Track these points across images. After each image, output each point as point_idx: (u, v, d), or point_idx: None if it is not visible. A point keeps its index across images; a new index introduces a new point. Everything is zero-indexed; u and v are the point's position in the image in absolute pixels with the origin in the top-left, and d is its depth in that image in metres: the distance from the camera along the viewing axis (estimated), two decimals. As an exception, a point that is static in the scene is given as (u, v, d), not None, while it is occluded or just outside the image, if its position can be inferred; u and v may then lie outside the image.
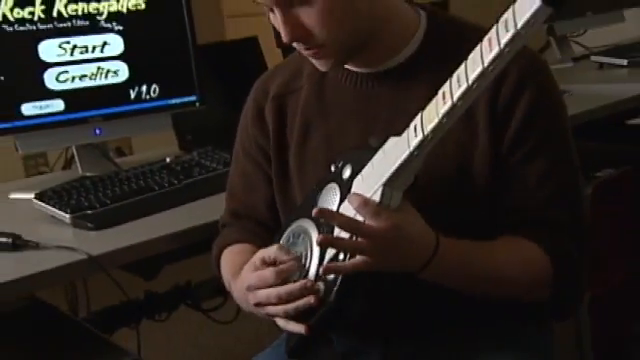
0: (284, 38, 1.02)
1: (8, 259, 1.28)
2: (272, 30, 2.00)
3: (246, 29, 2.47)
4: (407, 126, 0.91)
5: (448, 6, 2.71)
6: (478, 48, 0.82)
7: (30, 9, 1.62)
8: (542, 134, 1.05)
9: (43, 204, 1.46)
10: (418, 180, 0.95)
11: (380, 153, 0.94)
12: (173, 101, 1.83)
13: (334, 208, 0.99)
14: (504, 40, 0.79)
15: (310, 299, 0.96)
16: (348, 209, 0.94)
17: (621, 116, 2.09)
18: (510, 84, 1.04)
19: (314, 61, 1.08)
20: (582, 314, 1.65)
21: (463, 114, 1.04)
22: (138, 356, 1.48)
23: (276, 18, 1.03)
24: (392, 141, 0.93)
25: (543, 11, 0.75)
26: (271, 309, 1.00)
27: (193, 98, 1.85)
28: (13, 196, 1.66)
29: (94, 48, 1.71)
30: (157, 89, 1.80)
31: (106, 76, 1.73)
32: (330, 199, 1.00)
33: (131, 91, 1.77)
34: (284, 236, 1.07)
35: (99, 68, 1.72)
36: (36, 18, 1.63)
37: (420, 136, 0.87)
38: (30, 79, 1.64)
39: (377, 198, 0.91)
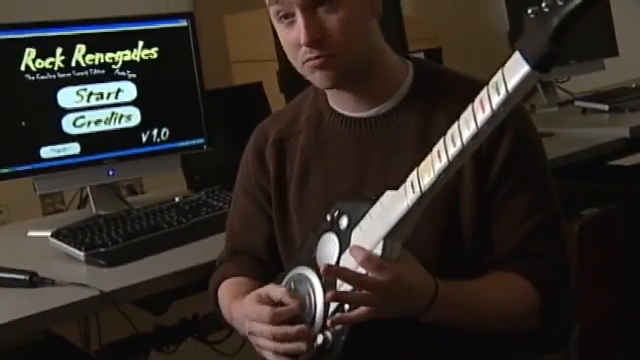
0: (304, 40, 1.02)
1: (25, 295, 1.29)
2: (276, 76, 2.04)
3: (251, 74, 2.50)
4: (402, 178, 0.92)
5: (441, 53, 2.74)
6: (470, 108, 0.83)
7: (51, 60, 1.66)
8: (525, 170, 1.08)
9: (59, 242, 1.46)
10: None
11: (378, 206, 0.94)
12: (182, 144, 1.85)
13: (334, 258, 0.98)
14: (496, 102, 0.80)
15: (301, 345, 0.96)
16: (349, 260, 0.95)
17: (602, 158, 2.11)
18: None
19: (317, 74, 1.07)
20: (571, 347, 1.64)
21: None
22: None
23: (292, 31, 1.04)
24: (389, 195, 0.93)
25: (533, 75, 0.76)
26: (261, 342, 1.01)
27: (201, 141, 1.87)
28: (31, 234, 1.67)
29: (109, 95, 1.73)
30: (167, 132, 1.82)
31: (119, 121, 1.75)
32: (329, 249, 1.00)
33: (143, 135, 1.79)
34: (284, 282, 1.06)
35: (113, 113, 1.74)
36: (56, 68, 1.66)
37: (418, 192, 0.88)
38: (49, 124, 1.67)
39: (379, 251, 0.92)
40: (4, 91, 1.62)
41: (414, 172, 0.89)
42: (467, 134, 0.83)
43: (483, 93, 0.81)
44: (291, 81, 1.98)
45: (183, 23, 1.83)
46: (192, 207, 1.64)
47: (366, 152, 1.12)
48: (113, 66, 1.73)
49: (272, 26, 2.10)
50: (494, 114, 0.80)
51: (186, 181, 1.97)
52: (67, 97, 1.68)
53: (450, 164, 0.85)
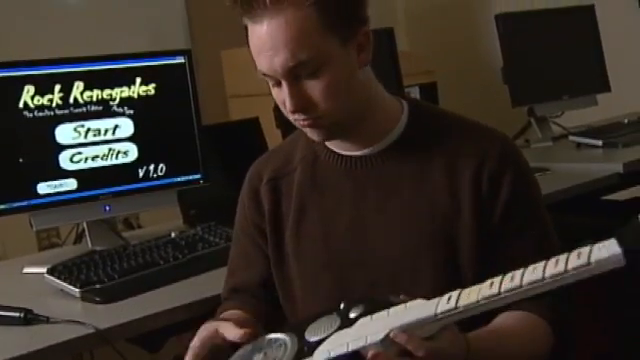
0: (289, 108, 1.04)
1: (20, 333, 1.28)
2: (272, 111, 2.06)
3: (248, 108, 2.52)
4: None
5: (436, 87, 2.77)
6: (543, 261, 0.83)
7: (49, 96, 1.67)
8: (528, 209, 1.09)
9: (54, 279, 1.46)
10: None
11: (402, 306, 0.90)
12: (179, 179, 1.85)
13: (327, 332, 0.92)
14: (572, 265, 0.79)
15: None
16: (339, 339, 0.90)
17: (596, 193, 2.12)
18: (492, 164, 1.09)
19: (308, 130, 1.09)
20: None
21: (448, 191, 1.08)
22: None
23: (280, 92, 1.06)
24: (419, 301, 0.89)
25: (619, 257, 0.77)
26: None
27: (197, 176, 1.87)
28: (26, 270, 1.67)
29: (106, 131, 1.75)
30: (164, 168, 1.82)
31: (117, 156, 1.76)
32: (325, 324, 0.93)
33: (139, 170, 1.79)
34: (265, 337, 1.00)
35: (110, 149, 1.75)
36: (54, 104, 1.68)
37: (451, 305, 0.85)
38: (46, 160, 1.68)
39: (378, 338, 0.87)
40: (2, 128, 1.63)
41: (456, 291, 0.87)
42: (528, 278, 0.82)
43: (563, 255, 0.81)
44: (287, 117, 2.00)
45: (180, 60, 1.85)
46: (188, 243, 1.64)
47: (363, 190, 1.13)
48: (111, 102, 1.75)
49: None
50: (564, 272, 0.80)
51: (182, 215, 1.97)
52: (65, 133, 1.69)
53: (498, 294, 0.83)
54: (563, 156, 2.34)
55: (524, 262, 1.05)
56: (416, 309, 0.88)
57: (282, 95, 1.06)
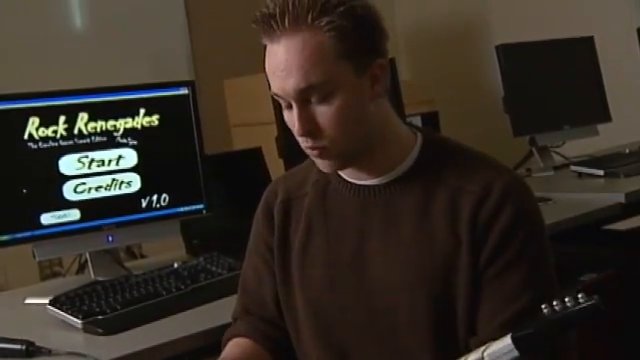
0: (297, 131, 1.06)
1: (22, 366, 1.28)
2: (275, 141, 2.07)
3: (251, 137, 2.53)
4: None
5: (438, 116, 2.78)
6: None
7: (54, 128, 1.68)
8: (518, 249, 1.06)
9: (56, 310, 1.45)
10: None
11: None
12: (181, 209, 1.86)
13: None
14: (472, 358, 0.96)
15: None
16: None
17: (598, 222, 2.12)
18: (492, 202, 1.08)
19: (318, 161, 1.11)
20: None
21: (448, 227, 1.07)
22: None
23: (291, 114, 1.07)
24: None
25: (511, 349, 0.93)
26: None
27: (200, 206, 1.88)
28: (28, 301, 1.66)
29: (110, 161, 1.75)
30: (167, 198, 1.83)
31: (120, 187, 1.77)
32: None
33: (142, 200, 1.80)
34: None
35: (114, 180, 1.76)
36: (59, 136, 1.69)
37: None
38: (50, 191, 1.68)
39: None
40: (7, 159, 1.64)
41: None
42: None
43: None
44: (290, 146, 2.01)
45: (184, 91, 1.87)
46: (191, 273, 1.64)
47: (368, 219, 1.13)
48: (115, 133, 1.76)
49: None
50: None
51: (185, 245, 1.97)
52: (69, 164, 1.70)
53: None
54: (565, 186, 2.34)
55: (502, 303, 1.05)
56: None
57: (293, 118, 1.07)
